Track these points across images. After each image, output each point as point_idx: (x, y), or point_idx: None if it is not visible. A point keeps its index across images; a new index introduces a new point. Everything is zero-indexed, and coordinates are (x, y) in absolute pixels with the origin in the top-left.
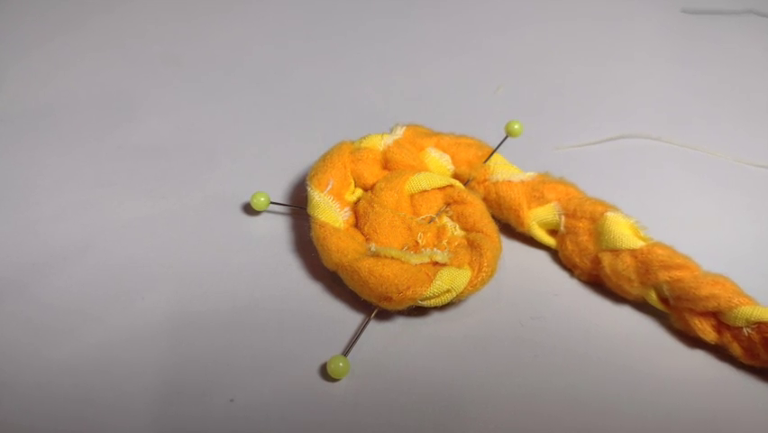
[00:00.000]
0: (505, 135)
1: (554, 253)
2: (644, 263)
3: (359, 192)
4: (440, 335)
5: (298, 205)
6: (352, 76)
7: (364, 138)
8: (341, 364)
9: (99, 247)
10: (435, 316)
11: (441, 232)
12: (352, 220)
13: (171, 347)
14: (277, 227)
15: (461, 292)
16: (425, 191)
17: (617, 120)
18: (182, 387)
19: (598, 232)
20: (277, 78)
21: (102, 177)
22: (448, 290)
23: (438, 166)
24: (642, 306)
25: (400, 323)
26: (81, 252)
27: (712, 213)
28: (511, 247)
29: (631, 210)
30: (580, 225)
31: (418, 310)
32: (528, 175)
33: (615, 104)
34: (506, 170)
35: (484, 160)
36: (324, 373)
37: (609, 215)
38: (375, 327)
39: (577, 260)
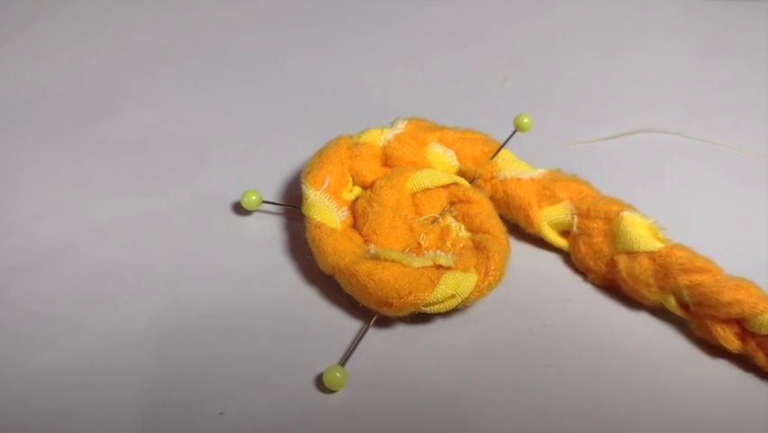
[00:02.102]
0: (513, 130)
1: (566, 256)
2: (663, 266)
3: (357, 190)
4: (444, 343)
5: (292, 204)
6: (351, 66)
7: (363, 132)
8: (338, 375)
9: (80, 249)
10: (439, 323)
11: (445, 233)
12: (349, 220)
13: (156, 356)
14: (269, 228)
15: (467, 298)
16: (428, 189)
17: (632, 113)
18: (168, 399)
19: (614, 233)
20: (269, 68)
21: (82, 174)
22: (452, 296)
23: (442, 162)
24: (660, 312)
25: (401, 330)
26: (60, 254)
27: (735, 212)
28: (520, 249)
29: (648, 210)
30: (594, 225)
31: (421, 317)
32: (538, 172)
33: (631, 96)
34: (514, 167)
35: (491, 156)
36: (320, 384)
37: (625, 215)
38: (374, 334)
39: (591, 263)
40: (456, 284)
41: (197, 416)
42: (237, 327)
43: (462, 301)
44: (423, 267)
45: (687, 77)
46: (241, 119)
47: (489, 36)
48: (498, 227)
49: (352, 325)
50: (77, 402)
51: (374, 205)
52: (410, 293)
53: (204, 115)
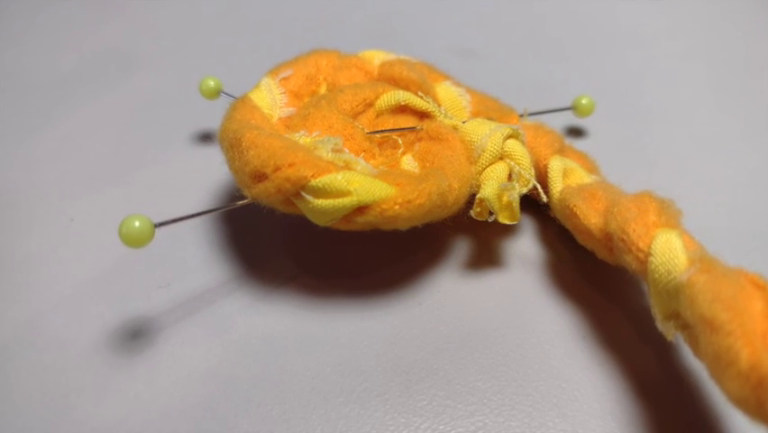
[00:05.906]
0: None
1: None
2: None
3: None
4: None
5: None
6: None
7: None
8: (136, 224)
9: None
10: None
11: (389, 156)
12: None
13: None
14: None
15: (373, 206)
16: (396, 113)
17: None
18: None
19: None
20: None
21: None
22: (348, 193)
23: (454, 103)
24: None
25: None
26: None
27: None
28: None
29: None
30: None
31: None
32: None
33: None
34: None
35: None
36: None
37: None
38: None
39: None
40: (360, 183)
41: None
42: None
43: (369, 210)
44: (331, 162)
45: None
46: None
47: None
48: (461, 173)
49: None
50: None
51: (322, 101)
52: (292, 165)
53: None
